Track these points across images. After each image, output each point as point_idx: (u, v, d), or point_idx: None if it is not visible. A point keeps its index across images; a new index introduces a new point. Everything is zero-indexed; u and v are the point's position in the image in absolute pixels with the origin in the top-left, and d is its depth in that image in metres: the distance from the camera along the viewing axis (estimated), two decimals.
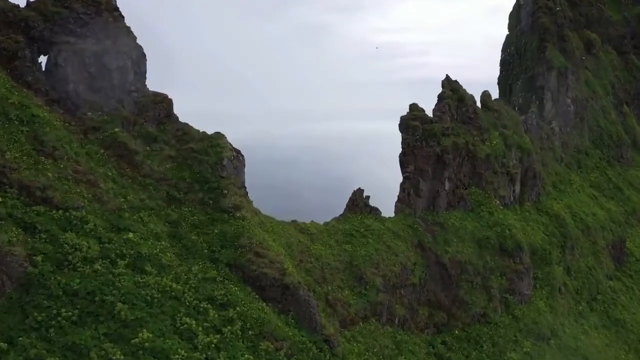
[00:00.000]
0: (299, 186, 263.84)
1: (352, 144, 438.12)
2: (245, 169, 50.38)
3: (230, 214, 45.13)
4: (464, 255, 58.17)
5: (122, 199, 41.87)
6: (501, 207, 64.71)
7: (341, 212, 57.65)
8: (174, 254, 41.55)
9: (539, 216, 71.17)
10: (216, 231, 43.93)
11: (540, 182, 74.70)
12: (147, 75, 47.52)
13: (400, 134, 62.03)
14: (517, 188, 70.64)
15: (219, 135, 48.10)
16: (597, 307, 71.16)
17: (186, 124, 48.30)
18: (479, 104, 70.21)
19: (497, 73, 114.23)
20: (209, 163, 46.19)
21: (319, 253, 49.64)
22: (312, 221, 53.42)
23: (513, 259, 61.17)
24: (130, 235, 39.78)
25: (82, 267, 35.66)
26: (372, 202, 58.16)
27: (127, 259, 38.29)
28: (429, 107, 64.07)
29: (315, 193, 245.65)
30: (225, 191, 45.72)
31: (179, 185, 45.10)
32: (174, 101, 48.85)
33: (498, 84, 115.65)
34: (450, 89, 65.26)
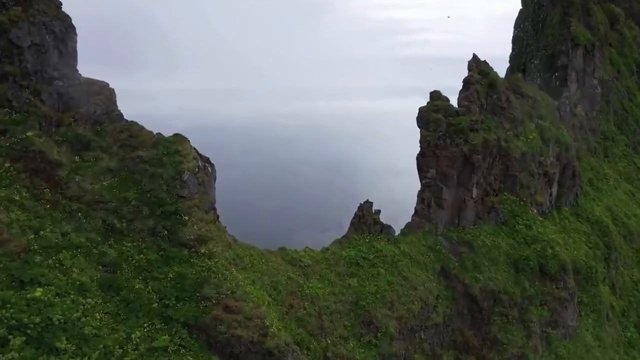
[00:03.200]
0: (299, 163, 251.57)
1: (353, 123, 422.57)
2: (217, 182, 36.75)
3: (192, 249, 31.57)
4: (498, 282, 44.77)
5: (33, 235, 28.30)
6: (540, 218, 50.97)
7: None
8: (106, 314, 28.13)
9: (579, 224, 57.55)
10: (171, 276, 30.45)
11: (579, 182, 60.87)
12: (78, 55, 33.32)
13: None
14: (554, 190, 56.88)
15: (178, 139, 34.20)
16: None
17: (134, 123, 34.38)
18: None
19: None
20: (164, 178, 32.43)
21: (314, 293, 36.25)
22: (306, 247, 39.83)
23: (556, 284, 47.79)
24: (38, 292, 26.34)
25: None
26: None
27: (29, 332, 24.94)
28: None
29: (316, 170, 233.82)
30: (186, 217, 32.07)
31: (120, 210, 31.40)
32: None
33: (510, 62, 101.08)
34: (479, 71, 50.91)
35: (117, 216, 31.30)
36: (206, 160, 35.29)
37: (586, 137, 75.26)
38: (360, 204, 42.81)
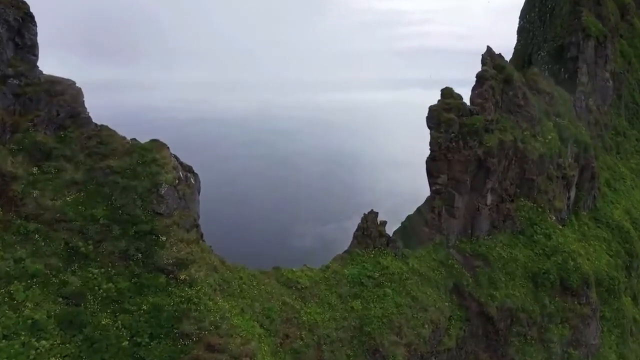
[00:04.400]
0: (299, 156, 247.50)
1: (353, 115, 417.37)
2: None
3: (171, 275, 26.81)
4: (516, 299, 40.09)
5: None
6: (559, 226, 46.17)
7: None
8: (65, 357, 23.39)
9: (598, 230, 52.72)
10: (145, 308, 25.71)
11: (597, 184, 56.01)
12: (37, 49, 28.30)
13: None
14: (573, 194, 52.03)
15: (155, 145, 29.28)
16: None
17: (104, 128, 29.44)
18: None
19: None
20: (139, 192, 27.57)
21: (313, 319, 31.52)
22: (304, 266, 34.98)
23: (578, 299, 43.11)
24: None
25: None
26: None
27: None
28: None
29: (316, 163, 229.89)
30: (164, 238, 27.27)
31: (86, 230, 26.60)
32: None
33: (514, 54, 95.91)
34: (493, 65, 45.88)
35: (83, 237, 26.50)
36: (188, 169, 30.42)
37: (602, 134, 70.32)
38: (364, 214, 37.99)
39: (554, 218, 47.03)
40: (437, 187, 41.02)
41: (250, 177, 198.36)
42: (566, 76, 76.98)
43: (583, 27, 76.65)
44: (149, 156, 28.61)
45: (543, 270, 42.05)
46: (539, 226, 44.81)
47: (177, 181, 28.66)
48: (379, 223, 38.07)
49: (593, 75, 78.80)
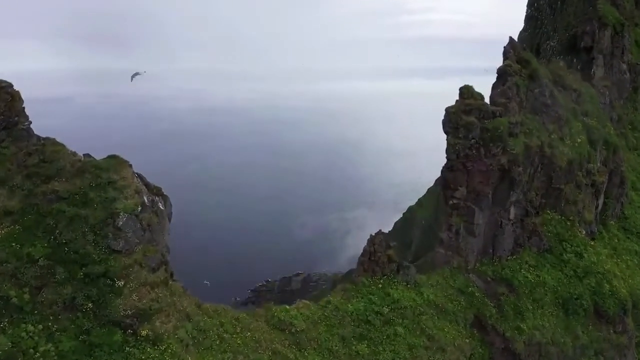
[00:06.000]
0: (300, 145, 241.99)
1: (354, 104, 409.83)
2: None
3: (130, 331, 20.90)
4: (545, 331, 34.20)
5: None
6: (591, 242, 40.13)
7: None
8: None
9: (629, 242, 46.67)
10: None
11: (626, 189, 49.92)
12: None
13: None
14: (601, 202, 45.93)
15: (113, 164, 23.17)
16: None
17: (49, 141, 23.31)
18: None
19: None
20: (90, 223, 21.55)
21: None
22: (300, 303, 28.92)
23: (613, 327, 37.22)
24: None
25: None
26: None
27: None
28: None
29: (317, 153, 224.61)
30: (121, 282, 21.31)
31: (21, 274, 20.64)
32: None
33: (521, 44, 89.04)
34: (517, 59, 39.53)
35: (16, 284, 20.58)
36: (156, 192, 24.35)
37: (625, 132, 63.99)
38: (371, 235, 31.91)
39: (584, 232, 40.98)
40: (455, 201, 34.89)
41: (250, 167, 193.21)
42: (579, 67, 70.56)
43: (599, 15, 69.58)
44: (105, 177, 22.56)
45: (575, 296, 36.09)
46: (568, 243, 38.76)
47: (139, 208, 22.60)
48: (387, 246, 32.00)
49: (609, 66, 72.08)
